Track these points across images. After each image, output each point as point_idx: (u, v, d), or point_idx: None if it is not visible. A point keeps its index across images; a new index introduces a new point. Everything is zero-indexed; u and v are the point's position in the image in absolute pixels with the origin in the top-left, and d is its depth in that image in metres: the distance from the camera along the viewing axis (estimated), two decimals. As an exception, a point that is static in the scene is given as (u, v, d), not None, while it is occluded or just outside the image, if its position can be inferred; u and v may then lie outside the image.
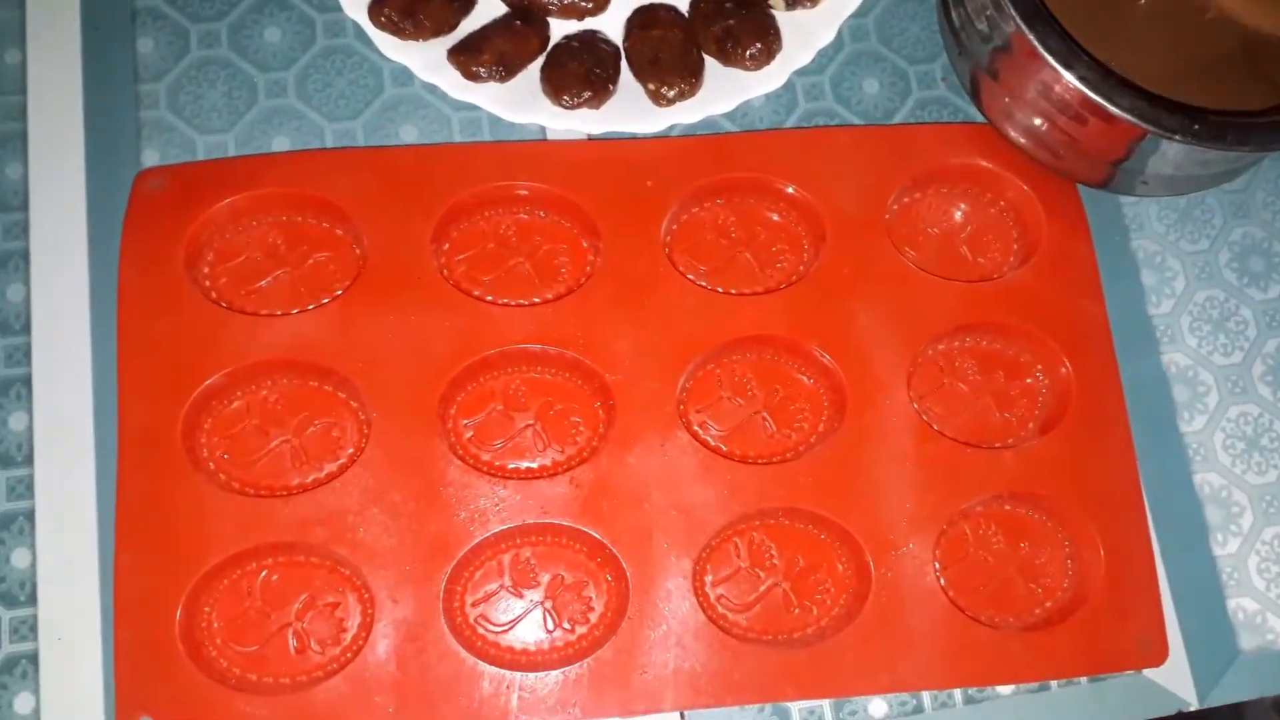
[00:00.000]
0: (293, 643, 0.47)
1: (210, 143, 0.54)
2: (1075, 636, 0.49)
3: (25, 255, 0.51)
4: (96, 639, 0.47)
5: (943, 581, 0.50)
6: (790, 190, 0.54)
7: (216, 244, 0.52)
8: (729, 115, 0.56)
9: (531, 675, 0.47)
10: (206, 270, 0.51)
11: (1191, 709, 0.51)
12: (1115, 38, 0.51)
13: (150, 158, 0.53)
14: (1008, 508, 0.51)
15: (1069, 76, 0.48)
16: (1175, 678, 0.51)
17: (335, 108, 0.55)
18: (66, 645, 0.47)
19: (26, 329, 0.51)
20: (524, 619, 0.49)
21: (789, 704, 0.49)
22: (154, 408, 0.48)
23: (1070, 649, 0.49)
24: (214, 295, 0.51)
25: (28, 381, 0.50)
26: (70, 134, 0.53)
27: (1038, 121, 0.52)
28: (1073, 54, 0.48)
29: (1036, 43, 0.49)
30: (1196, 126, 0.47)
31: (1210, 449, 0.54)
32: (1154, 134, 0.47)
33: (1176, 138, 0.47)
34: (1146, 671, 0.51)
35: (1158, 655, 0.50)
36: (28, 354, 0.50)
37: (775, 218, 0.54)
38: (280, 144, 0.54)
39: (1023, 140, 0.54)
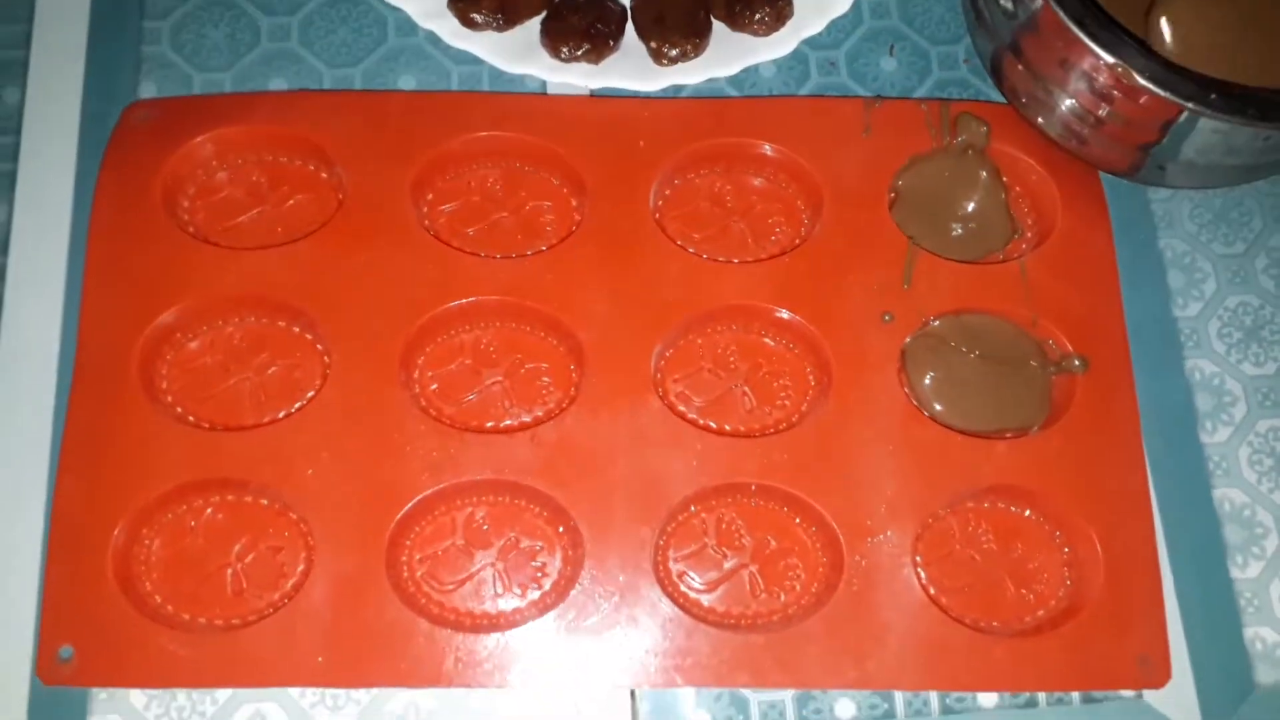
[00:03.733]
0: (230, 583, 0.45)
1: (207, 81, 0.53)
2: (1067, 647, 0.45)
3: (12, 178, 0.51)
4: (35, 565, 0.46)
5: (923, 576, 0.46)
6: (790, 159, 0.51)
7: (200, 178, 0.51)
8: (735, 83, 0.54)
9: (472, 637, 0.44)
10: (186, 204, 0.51)
11: (1197, 744, 0.47)
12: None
13: (147, 91, 0.53)
14: (1000, 505, 0.48)
15: (1089, 42, 0.46)
16: (1180, 708, 0.47)
17: (336, 54, 0.54)
18: (3, 569, 0.46)
19: (4, 250, 0.50)
20: (472, 579, 0.46)
21: (747, 695, 0.46)
22: (114, 333, 0.47)
23: (1060, 660, 0.45)
24: (191, 229, 0.50)
25: (-1, 301, 0.50)
26: (70, 65, 0.53)
27: (1061, 101, 0.49)
28: (1097, 21, 0.46)
29: (1060, 11, 0.46)
30: (1213, 96, 0.44)
31: (1234, 464, 0.50)
32: (1168, 102, 0.44)
33: (1190, 105, 0.44)
34: (1148, 697, 0.47)
35: (1159, 677, 0.45)
36: (3, 274, 0.50)
37: (771, 187, 0.52)
38: (277, 86, 0.53)
39: (1044, 122, 0.51)
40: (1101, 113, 0.48)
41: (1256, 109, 0.44)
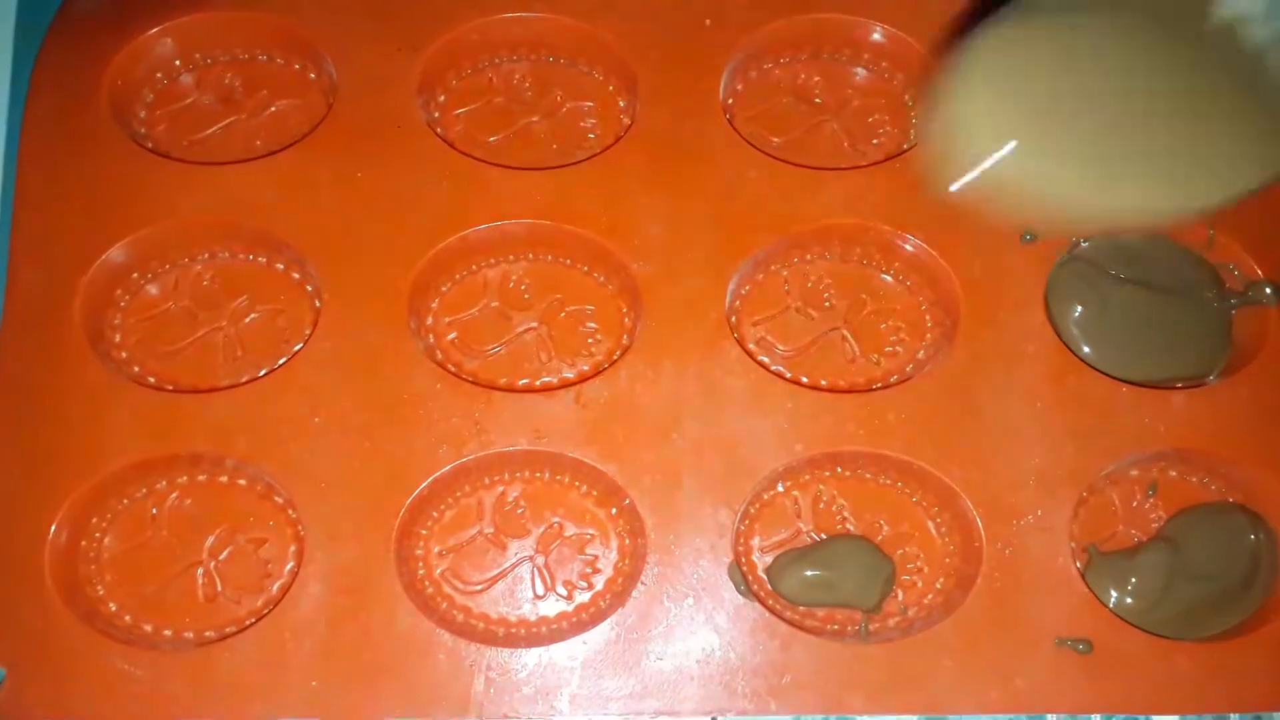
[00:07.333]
0: (202, 586, 0.37)
1: (167, -36, 0.44)
2: (1267, 656, 0.36)
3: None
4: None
5: (1080, 566, 0.36)
6: (901, 43, 0.42)
7: (158, 81, 0.42)
8: (821, -51, 0.44)
9: (506, 652, 0.35)
10: (143, 113, 0.42)
11: None
12: None
13: (95, -23, 0.44)
14: (1174, 473, 0.39)
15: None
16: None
17: (323, -71, 0.44)
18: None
19: (-82, 174, 0.41)
20: (505, 577, 0.37)
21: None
22: (53, 272, 0.39)
23: (1259, 672, 0.36)
24: (149, 143, 0.41)
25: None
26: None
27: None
28: None
29: None
30: None
31: None
32: None
33: None
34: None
35: (1386, 694, 0.36)
36: (-83, 205, 0.41)
37: (874, 78, 0.43)
38: (253, -30, 0.44)
39: None
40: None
41: None
